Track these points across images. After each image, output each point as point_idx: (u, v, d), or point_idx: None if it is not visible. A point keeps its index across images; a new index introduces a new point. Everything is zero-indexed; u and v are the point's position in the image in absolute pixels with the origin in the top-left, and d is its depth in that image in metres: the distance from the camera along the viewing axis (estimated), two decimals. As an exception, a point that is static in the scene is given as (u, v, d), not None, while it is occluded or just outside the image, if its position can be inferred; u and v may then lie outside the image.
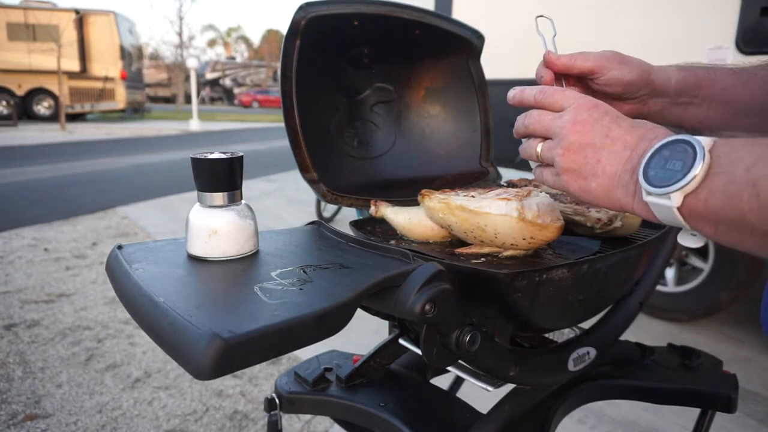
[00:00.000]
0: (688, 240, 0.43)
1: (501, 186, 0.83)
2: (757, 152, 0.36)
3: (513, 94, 0.54)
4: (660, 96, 0.64)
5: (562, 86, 0.62)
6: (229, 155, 0.54)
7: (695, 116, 0.65)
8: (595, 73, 0.62)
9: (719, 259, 2.45)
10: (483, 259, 0.63)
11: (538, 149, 0.50)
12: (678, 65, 0.64)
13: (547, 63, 0.62)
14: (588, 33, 2.65)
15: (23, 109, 14.76)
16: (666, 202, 0.39)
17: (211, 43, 51.85)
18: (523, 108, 0.55)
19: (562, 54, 0.62)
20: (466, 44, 0.91)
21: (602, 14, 2.60)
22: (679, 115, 0.65)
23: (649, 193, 0.41)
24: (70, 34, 14.35)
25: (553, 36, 0.64)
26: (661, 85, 0.63)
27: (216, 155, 0.54)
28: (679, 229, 0.43)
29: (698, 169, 0.38)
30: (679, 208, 0.39)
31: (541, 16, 0.65)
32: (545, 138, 0.50)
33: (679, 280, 2.61)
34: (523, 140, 0.54)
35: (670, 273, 2.61)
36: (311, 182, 0.76)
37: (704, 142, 0.39)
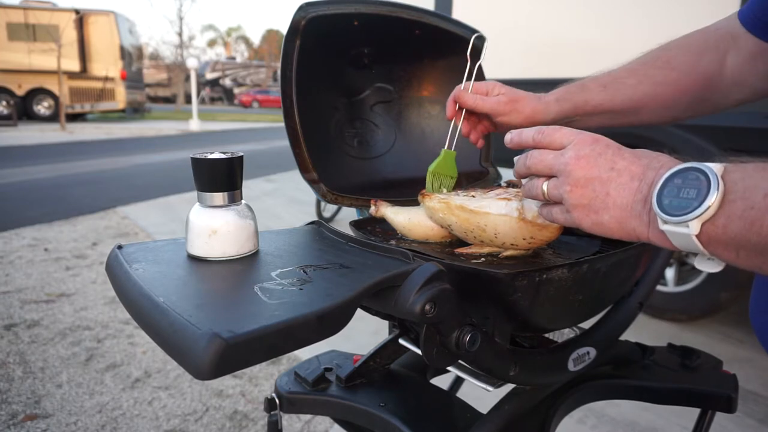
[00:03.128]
0: (706, 265, 0.43)
1: (501, 186, 0.83)
2: None
3: (510, 137, 0.56)
4: (539, 117, 0.75)
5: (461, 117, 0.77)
6: (229, 155, 0.54)
7: (578, 125, 0.75)
8: (492, 115, 0.76)
9: (719, 259, 2.45)
10: (483, 259, 0.63)
11: (544, 188, 0.51)
12: (557, 94, 0.75)
13: (457, 98, 0.76)
14: (588, 33, 2.65)
15: (23, 109, 14.75)
16: (684, 230, 0.40)
17: (211, 43, 51.87)
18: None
19: (469, 94, 0.76)
20: (466, 44, 0.91)
21: (602, 14, 2.60)
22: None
23: (665, 222, 0.41)
24: (70, 34, 14.35)
25: (476, 67, 0.79)
26: (542, 118, 0.75)
27: (216, 155, 0.54)
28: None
29: (714, 197, 0.38)
30: (697, 236, 0.40)
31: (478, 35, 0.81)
32: (549, 177, 0.51)
33: (679, 280, 2.61)
34: (524, 180, 0.55)
35: (670, 273, 2.61)
36: (311, 182, 0.76)
37: (716, 168, 0.39)
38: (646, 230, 0.44)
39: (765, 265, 0.38)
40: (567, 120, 0.75)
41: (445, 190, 0.76)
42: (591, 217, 0.47)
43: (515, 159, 0.55)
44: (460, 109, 0.77)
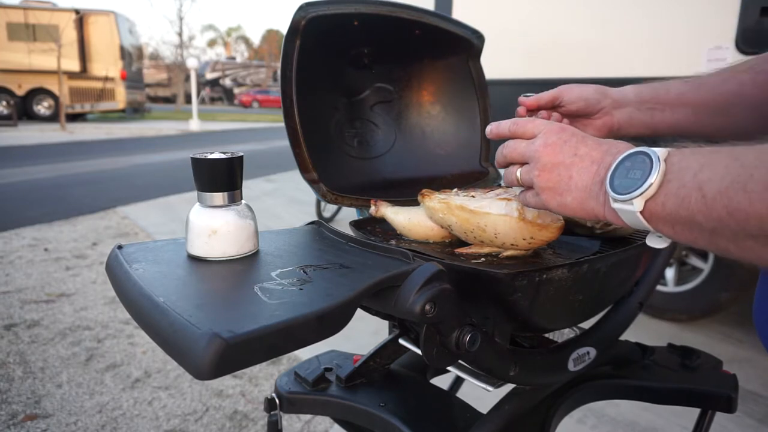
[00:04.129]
0: (654, 241, 0.47)
1: (501, 186, 0.83)
2: (702, 159, 0.41)
3: (490, 129, 0.60)
4: (622, 106, 0.74)
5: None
6: (229, 155, 0.54)
7: (663, 121, 0.73)
8: (558, 98, 0.74)
9: (719, 259, 2.45)
10: (483, 259, 0.63)
11: (518, 174, 0.55)
12: (632, 85, 0.74)
13: (521, 103, 0.76)
14: (588, 33, 2.65)
15: (23, 109, 14.75)
16: (630, 208, 0.44)
17: (211, 43, 51.85)
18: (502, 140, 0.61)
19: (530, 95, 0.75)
20: (466, 44, 0.91)
21: (602, 14, 2.60)
22: (647, 122, 0.74)
23: (615, 200, 0.45)
24: (70, 34, 14.34)
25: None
26: (620, 97, 0.74)
27: (216, 155, 0.54)
28: (647, 233, 0.47)
29: (654, 177, 0.42)
30: (642, 213, 0.44)
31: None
32: (523, 164, 0.55)
33: (679, 280, 2.61)
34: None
35: (670, 273, 2.61)
36: (311, 182, 0.76)
37: (660, 152, 0.44)
38: (602, 209, 0.48)
39: (695, 239, 0.42)
40: (650, 106, 0.73)
41: None
42: (556, 198, 0.51)
43: (497, 150, 0.59)
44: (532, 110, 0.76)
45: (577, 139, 0.51)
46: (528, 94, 0.79)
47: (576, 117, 0.75)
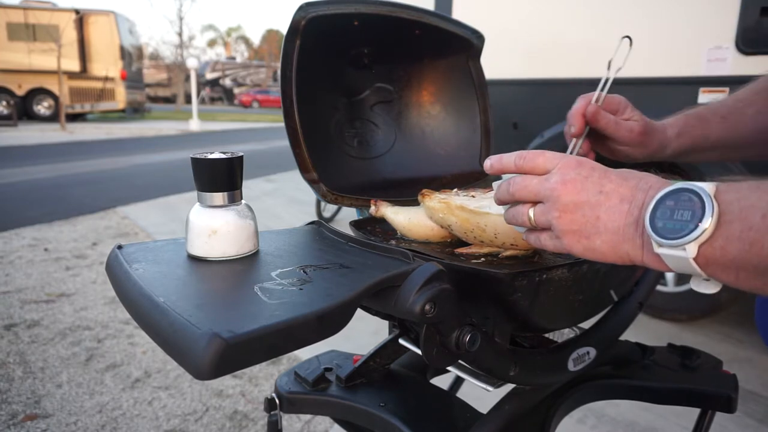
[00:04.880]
0: (703, 286, 0.42)
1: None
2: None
3: (490, 163, 0.53)
4: (658, 154, 0.72)
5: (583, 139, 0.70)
6: (229, 155, 0.54)
7: (692, 159, 0.73)
8: (617, 142, 0.70)
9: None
10: (483, 259, 0.63)
11: (531, 215, 0.49)
12: (678, 128, 0.71)
13: (590, 115, 0.69)
14: (588, 33, 2.65)
15: (23, 109, 14.75)
16: (681, 254, 0.39)
17: (211, 43, 51.86)
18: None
19: (604, 113, 0.69)
20: (466, 44, 0.91)
21: (602, 14, 2.60)
22: (678, 158, 0.73)
23: (660, 245, 0.40)
24: (70, 34, 14.35)
25: (602, 89, 0.70)
26: (659, 147, 0.71)
27: (216, 155, 0.54)
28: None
29: (710, 218, 0.37)
30: (695, 258, 0.39)
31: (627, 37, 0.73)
32: (534, 203, 0.49)
33: (679, 280, 2.61)
34: (504, 207, 0.54)
35: (670, 273, 2.61)
36: (311, 182, 0.76)
37: (708, 188, 0.39)
38: (640, 253, 0.43)
39: (766, 286, 0.37)
40: (683, 154, 0.72)
41: None
42: (582, 242, 0.46)
43: (494, 184, 0.54)
44: (585, 125, 0.70)
45: (599, 174, 0.46)
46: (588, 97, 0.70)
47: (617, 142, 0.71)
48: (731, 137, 0.69)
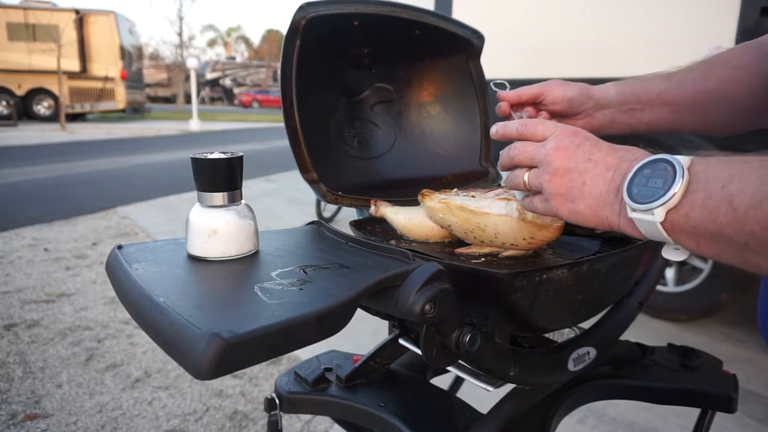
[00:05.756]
0: (671, 254, 0.45)
1: (501, 186, 0.83)
2: (731, 170, 0.39)
3: (495, 129, 0.57)
4: (604, 108, 0.73)
5: (520, 117, 0.73)
6: (229, 155, 0.54)
7: (642, 121, 0.73)
8: (541, 95, 0.72)
9: (719, 259, 2.45)
10: (483, 259, 0.63)
11: (525, 178, 0.53)
12: (613, 82, 0.73)
13: (501, 98, 0.73)
14: (588, 33, 2.65)
15: (23, 109, 14.75)
16: (650, 218, 0.42)
17: (211, 43, 51.85)
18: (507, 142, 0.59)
19: (511, 90, 0.73)
20: (466, 44, 0.91)
21: (601, 14, 2.60)
22: (628, 122, 0.73)
23: (633, 210, 0.43)
24: (70, 34, 14.34)
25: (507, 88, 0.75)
26: (602, 98, 0.72)
27: (216, 155, 0.54)
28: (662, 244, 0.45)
29: (678, 186, 0.40)
30: (662, 223, 0.42)
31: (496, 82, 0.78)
32: (531, 167, 0.52)
33: (679, 280, 2.61)
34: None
35: (670, 273, 2.61)
36: (311, 182, 0.76)
37: (683, 160, 0.41)
38: (617, 218, 0.46)
39: (722, 253, 0.40)
40: (630, 107, 0.73)
41: None
42: (568, 205, 0.49)
43: (501, 152, 0.57)
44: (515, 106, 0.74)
45: (591, 144, 0.49)
46: (499, 81, 0.76)
47: (557, 116, 0.74)
48: (674, 94, 0.72)
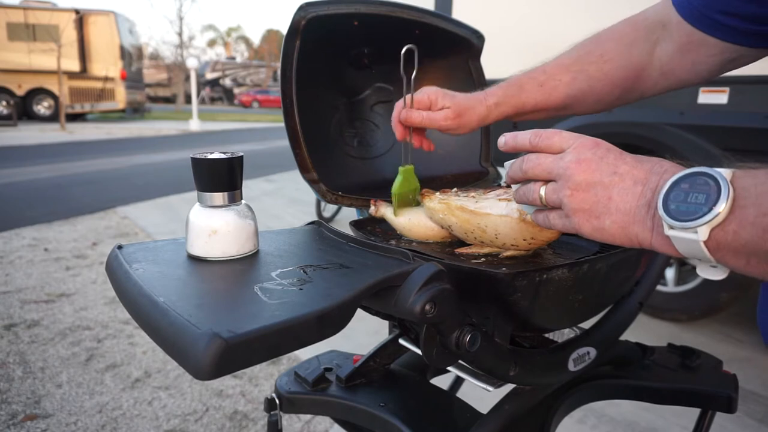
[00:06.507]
0: (708, 272, 0.42)
1: (501, 186, 0.83)
2: None
3: (505, 140, 0.53)
4: (483, 124, 0.78)
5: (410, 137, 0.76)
6: (229, 155, 0.54)
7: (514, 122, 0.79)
8: (440, 130, 0.76)
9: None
10: (483, 259, 0.63)
11: (542, 192, 0.49)
12: (497, 97, 0.76)
13: (403, 120, 0.75)
14: (587, 33, 2.65)
15: (23, 109, 14.75)
16: (691, 236, 0.39)
17: (211, 43, 51.85)
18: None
19: (415, 112, 0.75)
20: (466, 44, 0.91)
21: (602, 14, 2.60)
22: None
23: (671, 227, 0.40)
24: (70, 34, 14.35)
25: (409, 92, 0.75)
26: (480, 119, 0.76)
27: (216, 155, 0.54)
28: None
29: (725, 202, 0.37)
30: (705, 242, 0.39)
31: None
32: (546, 181, 0.49)
33: (679, 280, 2.61)
34: (515, 185, 0.54)
35: (670, 273, 2.61)
36: (311, 182, 0.77)
37: (725, 173, 0.39)
38: (649, 236, 0.43)
39: None
40: (506, 118, 0.79)
41: (414, 204, 0.74)
42: (592, 222, 0.46)
43: (507, 163, 0.54)
44: (407, 127, 0.76)
45: (614, 156, 0.46)
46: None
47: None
48: (546, 102, 0.76)
